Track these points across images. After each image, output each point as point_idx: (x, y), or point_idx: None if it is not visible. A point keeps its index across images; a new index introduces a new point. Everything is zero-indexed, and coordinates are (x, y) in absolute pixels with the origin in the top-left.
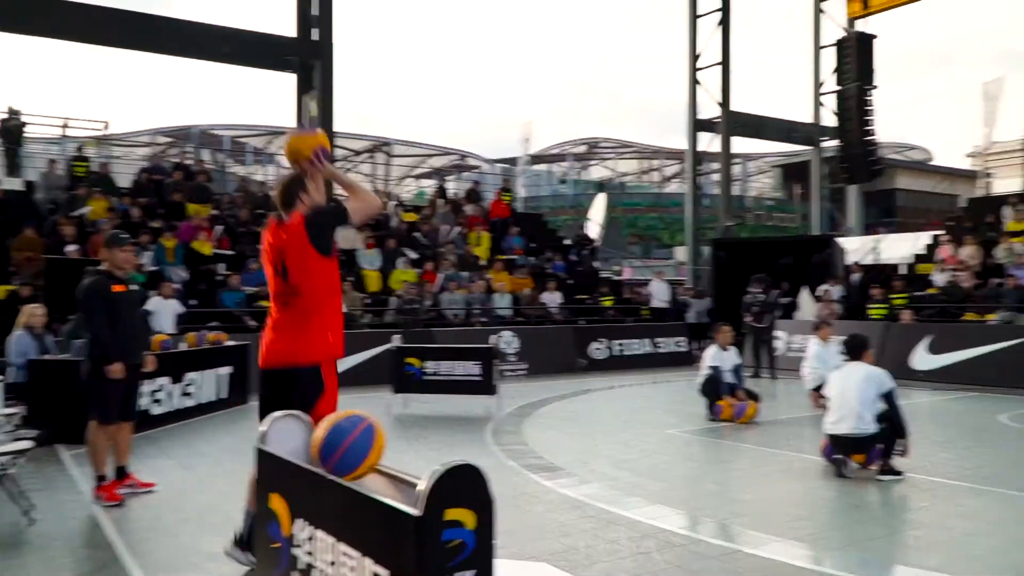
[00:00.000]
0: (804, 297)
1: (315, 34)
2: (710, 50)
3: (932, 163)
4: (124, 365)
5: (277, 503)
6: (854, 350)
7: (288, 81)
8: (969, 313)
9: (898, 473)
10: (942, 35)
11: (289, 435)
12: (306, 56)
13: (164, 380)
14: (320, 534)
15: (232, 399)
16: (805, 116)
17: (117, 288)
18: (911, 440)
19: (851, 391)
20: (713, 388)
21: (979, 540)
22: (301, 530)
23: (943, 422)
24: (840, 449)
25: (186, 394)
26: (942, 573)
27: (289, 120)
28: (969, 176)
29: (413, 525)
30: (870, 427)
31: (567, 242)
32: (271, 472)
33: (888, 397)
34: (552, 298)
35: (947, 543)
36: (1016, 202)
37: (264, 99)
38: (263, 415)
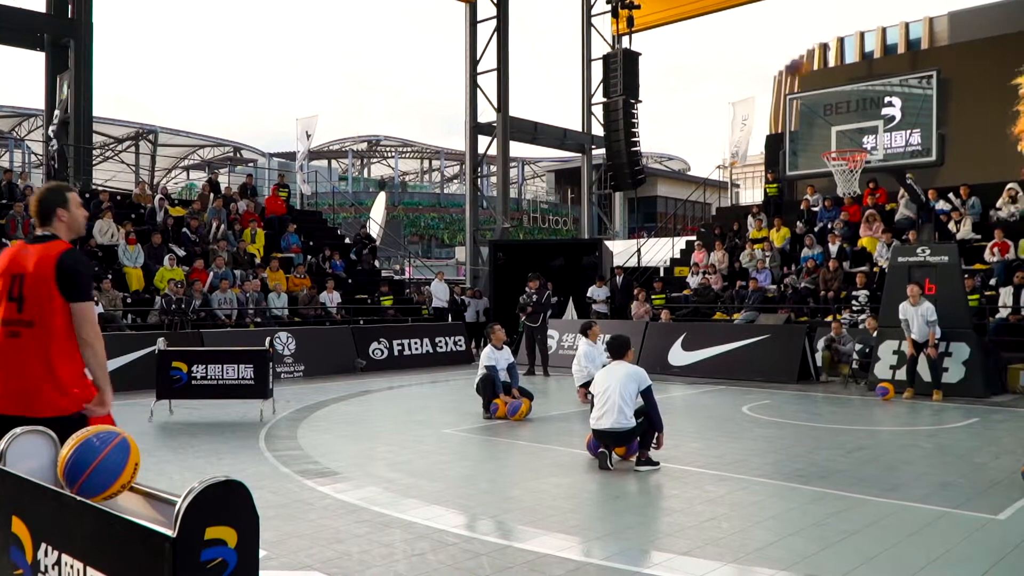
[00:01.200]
0: (571, 305)
1: (70, 11)
2: (489, 56)
3: (689, 173)
4: None
5: (18, 527)
6: (616, 350)
7: (39, 59)
8: (718, 313)
9: (654, 463)
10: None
11: (32, 452)
12: (59, 34)
13: None
14: (67, 559)
15: None
16: (576, 125)
17: None
18: (665, 432)
19: (613, 388)
20: (488, 387)
21: (720, 523)
22: (46, 555)
23: (694, 414)
24: (603, 443)
25: None
26: (689, 556)
27: (39, 101)
28: (721, 186)
29: (169, 547)
30: (630, 422)
31: (347, 241)
32: (10, 493)
33: (645, 393)
34: (331, 298)
35: (694, 527)
36: (757, 212)
37: (10, 77)
38: None
